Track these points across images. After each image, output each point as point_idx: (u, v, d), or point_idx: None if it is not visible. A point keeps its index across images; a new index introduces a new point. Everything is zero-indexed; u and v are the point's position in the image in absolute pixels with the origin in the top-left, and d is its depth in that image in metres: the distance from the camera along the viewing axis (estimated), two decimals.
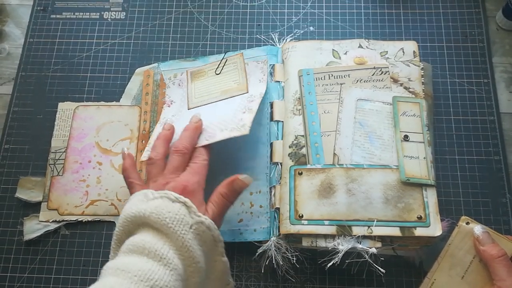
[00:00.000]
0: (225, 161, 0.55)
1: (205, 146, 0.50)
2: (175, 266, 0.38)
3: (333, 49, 0.57)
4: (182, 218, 0.41)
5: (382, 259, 0.47)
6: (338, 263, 0.46)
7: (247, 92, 0.56)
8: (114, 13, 0.67)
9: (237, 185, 0.47)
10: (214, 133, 0.51)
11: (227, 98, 0.57)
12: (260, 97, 0.54)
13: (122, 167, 0.50)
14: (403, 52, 0.56)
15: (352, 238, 0.47)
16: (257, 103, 0.53)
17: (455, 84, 0.60)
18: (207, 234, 0.42)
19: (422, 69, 0.55)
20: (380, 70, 0.55)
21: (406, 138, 0.51)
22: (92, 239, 0.55)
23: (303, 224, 0.48)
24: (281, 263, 0.49)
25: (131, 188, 0.48)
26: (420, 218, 0.47)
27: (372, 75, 0.55)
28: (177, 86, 0.59)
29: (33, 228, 0.55)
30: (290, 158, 0.52)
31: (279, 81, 0.57)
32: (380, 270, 0.46)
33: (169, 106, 0.58)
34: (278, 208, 0.51)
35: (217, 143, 0.52)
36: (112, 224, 0.56)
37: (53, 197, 0.56)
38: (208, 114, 0.55)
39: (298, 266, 0.50)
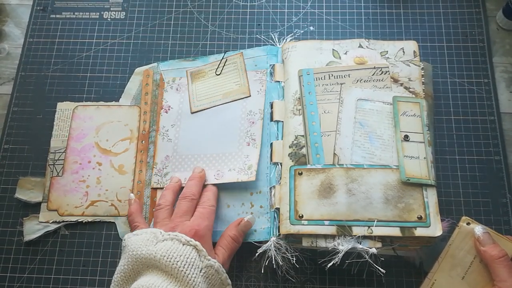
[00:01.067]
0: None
1: (213, 192, 0.51)
2: None
3: (333, 49, 0.57)
4: (193, 261, 0.41)
5: (382, 259, 0.47)
6: (338, 263, 0.46)
7: (249, 96, 0.57)
8: (114, 13, 0.66)
9: (243, 226, 0.49)
10: (222, 172, 0.53)
11: (229, 102, 0.57)
12: (260, 118, 0.55)
13: (128, 212, 0.52)
14: (403, 52, 0.56)
15: (352, 238, 0.47)
16: (259, 127, 0.54)
17: (455, 84, 0.60)
18: (216, 278, 0.43)
19: (422, 69, 0.55)
20: (380, 70, 0.55)
21: (406, 138, 0.51)
22: (92, 240, 0.55)
23: (303, 224, 0.48)
24: (281, 263, 0.49)
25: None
26: (420, 218, 0.47)
27: (372, 75, 0.55)
28: (174, 91, 0.59)
29: (33, 228, 0.55)
30: (290, 158, 0.52)
31: (279, 81, 0.57)
32: (380, 270, 0.46)
33: (166, 112, 0.58)
34: (278, 208, 0.51)
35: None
36: (112, 225, 0.55)
37: (53, 198, 0.56)
38: (211, 126, 0.56)
39: (298, 266, 0.50)
